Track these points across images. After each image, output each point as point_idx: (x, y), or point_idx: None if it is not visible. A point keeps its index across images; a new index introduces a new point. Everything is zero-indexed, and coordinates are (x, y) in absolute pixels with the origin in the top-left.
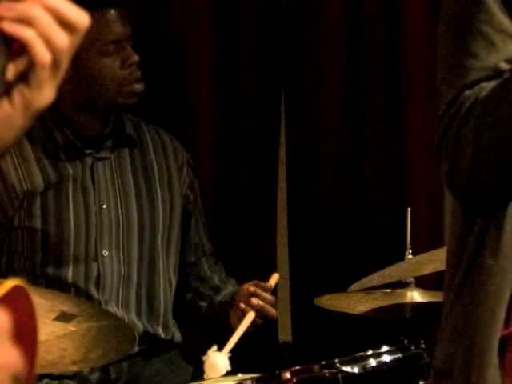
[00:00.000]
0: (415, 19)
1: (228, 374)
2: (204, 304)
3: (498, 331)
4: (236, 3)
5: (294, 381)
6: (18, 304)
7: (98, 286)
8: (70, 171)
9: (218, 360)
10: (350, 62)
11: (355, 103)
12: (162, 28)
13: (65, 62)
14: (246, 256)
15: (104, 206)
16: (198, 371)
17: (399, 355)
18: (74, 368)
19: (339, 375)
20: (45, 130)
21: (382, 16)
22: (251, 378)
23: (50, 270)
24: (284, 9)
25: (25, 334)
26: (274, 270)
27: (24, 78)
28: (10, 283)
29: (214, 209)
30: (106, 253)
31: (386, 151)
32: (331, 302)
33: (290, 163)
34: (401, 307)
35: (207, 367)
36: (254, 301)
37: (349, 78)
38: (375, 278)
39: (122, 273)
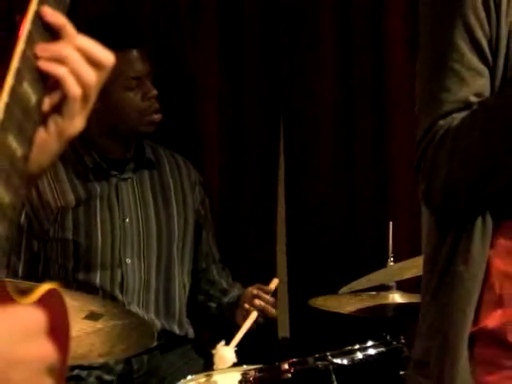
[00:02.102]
0: (398, 55)
1: (234, 365)
2: (213, 305)
3: (468, 328)
4: (240, 42)
5: (292, 371)
6: (53, 305)
7: (121, 289)
8: (98, 190)
9: (225, 353)
10: (340, 91)
11: (345, 128)
12: (176, 65)
13: (93, 96)
14: (249, 262)
15: (127, 220)
16: (208, 363)
17: (382, 349)
18: (101, 360)
19: (330, 366)
20: (75, 154)
21: (369, 52)
22: (254, 369)
23: (81, 276)
24: (283, 45)
25: (59, 331)
26: (273, 274)
27: (58, 109)
28: (46, 287)
29: (221, 221)
30: (128, 261)
31: (372, 171)
32: (324, 302)
33: (288, 181)
34: (384, 307)
35: (216, 359)
36: (257, 302)
37: (340, 106)
38: (362, 282)
39: (143, 278)
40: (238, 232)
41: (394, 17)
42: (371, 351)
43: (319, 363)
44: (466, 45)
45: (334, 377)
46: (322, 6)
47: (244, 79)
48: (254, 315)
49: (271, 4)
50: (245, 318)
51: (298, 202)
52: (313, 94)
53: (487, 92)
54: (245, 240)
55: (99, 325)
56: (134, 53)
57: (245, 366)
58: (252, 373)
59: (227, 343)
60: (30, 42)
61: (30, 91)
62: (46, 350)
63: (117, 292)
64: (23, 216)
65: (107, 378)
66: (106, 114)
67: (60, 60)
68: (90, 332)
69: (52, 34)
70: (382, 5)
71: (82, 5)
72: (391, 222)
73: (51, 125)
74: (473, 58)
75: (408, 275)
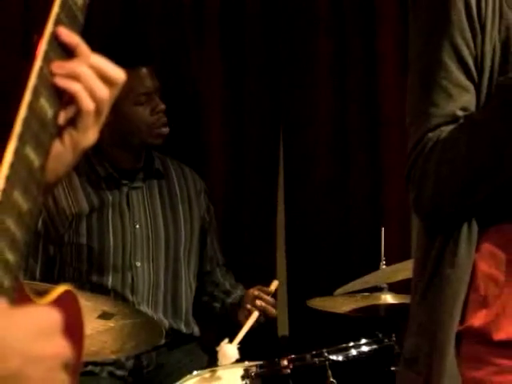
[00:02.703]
0: (389, 73)
1: (237, 361)
2: (217, 305)
3: (454, 327)
4: (243, 58)
5: (290, 367)
6: (68, 305)
7: (132, 290)
8: (110, 198)
9: (228, 350)
10: (336, 106)
11: (341, 140)
12: (182, 81)
13: (105, 110)
14: (250, 265)
15: (137, 226)
16: (213, 359)
17: (375, 346)
18: (113, 356)
19: (326, 362)
20: (89, 164)
21: (362, 69)
22: (255, 365)
23: (94, 278)
24: (283, 62)
25: (74, 329)
26: (273, 276)
27: (72, 122)
28: (62, 288)
29: (225, 226)
30: (138, 264)
31: (365, 180)
32: (321, 303)
33: (287, 189)
34: (376, 307)
35: (220, 356)
36: (258, 302)
37: (336, 119)
38: (356, 284)
39: (152, 280)
40: (241, 237)
41: (385, 36)
42: (364, 348)
43: (316, 359)
44: (453, 63)
45: (329, 372)
46: (319, 25)
47: (246, 93)
48: (255, 315)
49: (272, 23)
50: (247, 317)
51: (296, 208)
52: (311, 108)
53: (473, 107)
54: (247, 244)
55: (111, 324)
56: (144, 70)
57: (247, 362)
58: (253, 368)
59: (230, 341)
60: (47, 60)
61: (46, 106)
62: (61, 348)
63: (127, 293)
64: (40, 222)
65: (119, 373)
66: (117, 127)
67: (74, 77)
68: (102, 330)
69: (67, 52)
70: (375, 25)
71: (94, 24)
72: (383, 228)
73: (66, 137)
74: (459, 76)
75: (399, 277)
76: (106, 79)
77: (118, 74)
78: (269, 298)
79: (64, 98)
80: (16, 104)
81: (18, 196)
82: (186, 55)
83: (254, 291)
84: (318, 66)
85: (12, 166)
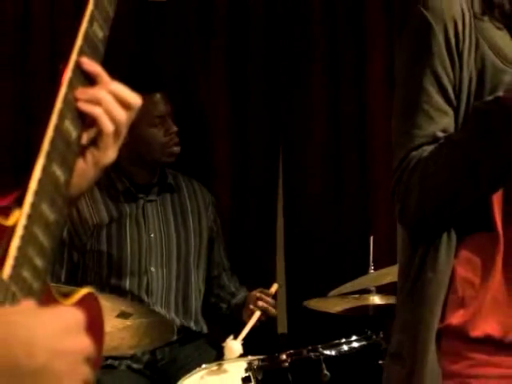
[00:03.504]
0: (377, 99)
1: (241, 355)
2: (224, 305)
3: (435, 325)
4: (246, 85)
5: (288, 361)
6: (90, 305)
7: (147, 292)
8: (128, 210)
9: (233, 346)
10: (330, 128)
11: (334, 158)
12: (192, 105)
13: (123, 131)
14: (253, 270)
15: (152, 236)
16: (219, 354)
17: (364, 342)
18: (131, 351)
19: (321, 357)
20: (109, 180)
21: (353, 96)
22: (257, 359)
23: (113, 281)
24: (283, 90)
25: (95, 327)
26: (273, 280)
27: (94, 142)
28: (84, 290)
29: (230, 235)
30: (153, 269)
31: (356, 194)
32: (316, 304)
33: (286, 201)
34: (365, 308)
35: (226, 351)
36: (260, 303)
37: (329, 139)
38: (347, 287)
39: (165, 283)
40: (244, 244)
41: (375, 65)
42: (355, 344)
43: (312, 354)
44: (433, 89)
45: (324, 365)
46: (315, 58)
47: (249, 116)
48: (257, 314)
49: (273, 55)
50: (250, 316)
51: (294, 218)
52: (307, 130)
53: (452, 128)
54: (250, 251)
55: (128, 322)
56: (158, 96)
57: (250, 357)
58: (256, 362)
59: (235, 337)
60: (71, 86)
61: (71, 128)
62: (84, 343)
63: (143, 295)
64: (65, 231)
65: (135, 366)
66: (134, 146)
67: (96, 102)
68: (120, 328)
69: (89, 79)
70: (366, 55)
71: (113, 54)
72: (372, 237)
73: (89, 156)
74: (439, 100)
75: (386, 281)
76: (124, 104)
77: (135, 99)
78: (269, 299)
79: (86, 121)
80: (44, 126)
81: (45, 208)
82: (194, 83)
83: (256, 293)
84: (314, 94)
85: (40, 181)
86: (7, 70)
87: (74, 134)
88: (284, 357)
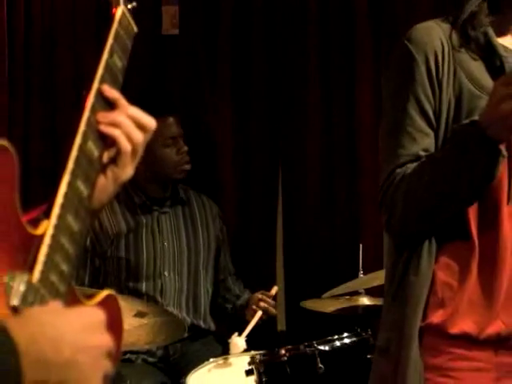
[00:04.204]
0: (366, 120)
1: (245, 351)
2: (229, 306)
3: (418, 323)
4: (249, 109)
5: (287, 355)
6: (110, 306)
7: (161, 294)
8: (143, 221)
9: (238, 342)
10: (324, 145)
11: (328, 173)
12: (200, 128)
13: (140, 151)
14: (255, 274)
15: (165, 244)
16: (226, 349)
17: (354, 339)
18: (146, 347)
19: (316, 352)
20: (127, 194)
21: (344, 116)
22: (259, 354)
23: (131, 284)
24: (282, 114)
25: (115, 325)
26: (274, 283)
27: (113, 161)
28: (105, 292)
29: (235, 243)
30: (166, 273)
31: (347, 207)
32: (312, 304)
33: (285, 213)
34: (356, 308)
35: (231, 346)
36: (261, 304)
37: (324, 156)
38: (340, 289)
39: (177, 286)
40: (247, 251)
41: (364, 93)
42: (346, 340)
43: (307, 349)
44: (416, 113)
45: (318, 359)
46: (309, 83)
47: (251, 138)
48: (259, 314)
49: (273, 81)
50: (252, 316)
51: (292, 228)
52: (303, 150)
53: (432, 148)
54: (252, 257)
55: (144, 321)
56: (170, 119)
57: (252, 352)
58: (258, 356)
59: (239, 334)
60: (93, 111)
61: (93, 148)
62: (105, 340)
63: (157, 296)
64: (88, 240)
65: (150, 360)
66: (149, 164)
67: (115, 124)
68: (137, 326)
69: (109, 104)
70: (355, 81)
71: (131, 82)
72: (361, 245)
73: (109, 172)
74: (421, 123)
75: (374, 284)
76: (140, 126)
77: (150, 122)
78: (270, 300)
79: (107, 141)
80: (69, 146)
81: (70, 219)
82: (203, 107)
83: (258, 295)
84: (310, 117)
85: (66, 195)
86: (37, 96)
87: (95, 153)
88: (283, 352)
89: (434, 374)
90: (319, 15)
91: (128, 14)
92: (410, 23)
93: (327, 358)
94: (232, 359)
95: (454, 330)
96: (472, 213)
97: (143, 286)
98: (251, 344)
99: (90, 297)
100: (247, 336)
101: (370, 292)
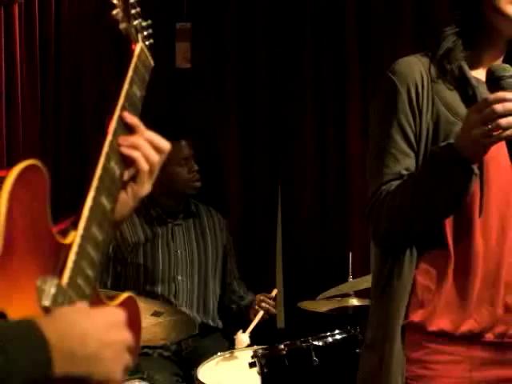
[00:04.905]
0: (355, 144)
1: (248, 346)
2: (235, 306)
3: (401, 322)
4: (253, 135)
5: (285, 350)
6: (130, 306)
7: (175, 296)
8: (159, 232)
9: (242, 338)
10: (319, 166)
11: (321, 190)
12: (209, 150)
13: (156, 170)
14: (257, 278)
15: (179, 252)
16: (231, 344)
17: (345, 335)
18: (162, 342)
19: (311, 346)
20: (145, 208)
21: (336, 144)
22: (261, 348)
23: (148, 287)
24: (281, 138)
25: (134, 323)
26: (274, 286)
27: (133, 179)
28: (126, 294)
29: (240, 251)
30: (179, 278)
31: (338, 219)
32: (307, 305)
33: (284, 225)
34: (346, 308)
35: (236, 342)
36: (263, 304)
37: (318, 176)
38: (332, 291)
39: (189, 289)
40: (251, 258)
41: (353, 118)
42: (337, 336)
43: (303, 344)
44: (399, 137)
45: (313, 353)
46: (306, 114)
47: (255, 159)
48: (261, 313)
49: (274, 111)
50: (255, 315)
51: (290, 238)
52: (300, 168)
53: (413, 167)
54: (255, 263)
55: (160, 319)
56: (183, 142)
57: (255, 346)
58: (260, 351)
59: (243, 331)
60: (115, 135)
61: (115, 167)
62: (126, 336)
63: (172, 298)
64: (111, 248)
65: (165, 354)
66: (164, 182)
67: (135, 147)
68: (154, 324)
69: (129, 129)
70: (346, 111)
71: (148, 109)
72: (350, 253)
73: (129, 189)
74: (404, 146)
75: (362, 287)
76: (156, 148)
77: (165, 144)
78: (270, 301)
79: (127, 162)
80: (94, 166)
81: (95, 230)
82: (211, 132)
83: (260, 296)
84: (307, 142)
85: (91, 209)
86: (65, 120)
87: (117, 172)
88: (282, 346)
89: (415, 366)
90: (314, 56)
91: (146, 50)
92: (394, 60)
93: (321, 352)
94: (237, 353)
95: (432, 327)
96: (448, 224)
97: (159, 289)
98: (254, 340)
99: (112, 298)
100: (250, 333)
101: (358, 294)
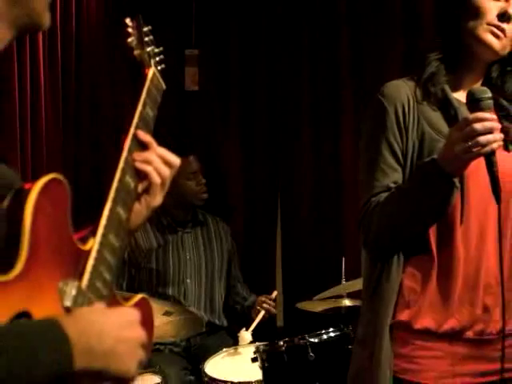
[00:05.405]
0: (348, 159)
1: (251, 342)
2: (238, 307)
3: (389, 321)
4: (254, 150)
5: (284, 346)
6: (143, 306)
7: (184, 297)
8: (170, 239)
9: (245, 335)
10: (316, 180)
11: (318, 202)
12: (214, 164)
13: (167, 183)
14: (259, 281)
15: (188, 257)
16: (235, 341)
17: (338, 333)
18: (172, 339)
19: (308, 343)
20: (157, 217)
21: (331, 158)
22: (262, 345)
23: (160, 289)
24: (281, 152)
25: (147, 322)
26: (274, 288)
27: (146, 191)
28: (139, 296)
29: (243, 256)
30: (188, 281)
31: (333, 227)
32: (305, 305)
33: (283, 234)
34: (339, 308)
35: (240, 339)
36: (264, 305)
37: (315, 189)
38: (327, 293)
39: (197, 291)
40: (253, 263)
41: (346, 137)
42: (332, 334)
43: (301, 341)
44: (387, 153)
45: (309, 349)
46: (303, 128)
47: (256, 172)
48: (262, 313)
49: (274, 130)
50: (257, 314)
51: (289, 245)
52: (298, 180)
53: (400, 181)
54: (256, 267)
55: (171, 318)
56: (191, 158)
57: (257, 343)
58: (261, 347)
59: (246, 329)
60: (130, 151)
61: (130, 181)
62: (139, 333)
63: (181, 299)
64: (126, 254)
65: (175, 349)
66: (175, 193)
67: (148, 162)
68: (165, 323)
69: (143, 146)
70: (340, 131)
71: (161, 128)
72: (344, 258)
73: (142, 200)
74: (392, 161)
75: (354, 289)
76: (167, 163)
77: (175, 160)
78: (271, 302)
79: (141, 175)
80: (111, 179)
81: (112, 238)
82: (217, 149)
83: (261, 297)
84: (304, 155)
85: (108, 218)
86: (85, 139)
87: (132, 184)
88: (281, 343)
89: (402, 361)
90: (310, 80)
91: (158, 74)
92: (384, 82)
93: (317, 348)
94: (240, 349)
95: (418, 325)
96: (432, 232)
97: (169, 291)
98: (256, 337)
99: (127, 299)
100: (253, 330)
101: (350, 295)
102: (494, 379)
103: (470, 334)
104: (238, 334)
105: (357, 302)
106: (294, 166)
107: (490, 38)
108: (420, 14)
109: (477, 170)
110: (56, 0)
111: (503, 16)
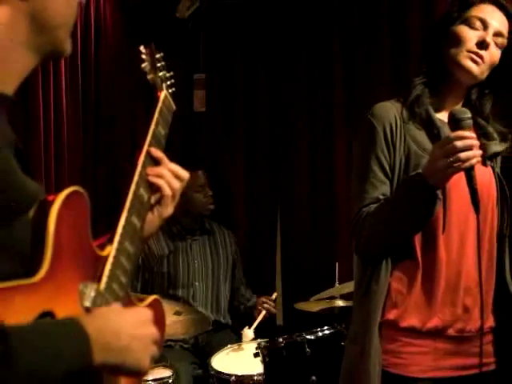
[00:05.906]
0: (341, 174)
1: (253, 339)
2: (242, 307)
3: (378, 320)
4: (255, 163)
5: (284, 343)
6: (156, 307)
7: (193, 298)
8: (180, 246)
9: (248, 333)
10: (311, 191)
11: (314, 211)
12: (220, 178)
13: (178, 195)
14: (260, 283)
15: (196, 262)
16: (239, 338)
17: (332, 330)
18: (182, 337)
19: (304, 340)
20: (168, 226)
21: (325, 174)
22: (264, 341)
23: (171, 291)
24: (281, 165)
25: (159, 321)
26: (274, 290)
27: (158, 202)
28: (152, 297)
29: (246, 260)
30: (196, 283)
31: (328, 234)
32: (302, 305)
33: (283, 241)
34: (333, 308)
35: (243, 336)
36: (265, 305)
37: (310, 199)
38: (322, 294)
39: (204, 292)
40: (255, 267)
41: (339, 154)
42: (326, 332)
43: (298, 338)
44: (377, 168)
45: (306, 345)
46: (299, 146)
47: (258, 186)
48: (263, 312)
49: (274, 147)
50: (259, 314)
51: (288, 249)
52: (296, 193)
53: (388, 193)
54: (258, 271)
55: (181, 318)
56: (199, 172)
57: (259, 340)
58: (263, 343)
59: (249, 327)
60: (144, 166)
61: (143, 193)
62: (152, 331)
63: (190, 300)
64: (140, 259)
65: (185, 346)
66: (184, 205)
67: (160, 176)
68: (175, 321)
69: (155, 161)
70: (334, 148)
71: (171, 145)
72: (337, 263)
73: (155, 211)
74: (381, 175)
75: (346, 291)
76: (178, 177)
77: (185, 174)
78: (271, 302)
79: (154, 188)
80: (126, 192)
81: (127, 244)
82: (222, 164)
83: (263, 298)
84: (301, 171)
85: (124, 227)
86: (102, 155)
87: (145, 196)
88: (280, 340)
89: (390, 356)
90: (307, 103)
91: (169, 96)
92: (373, 103)
93: (313, 345)
94: (244, 345)
95: (404, 324)
96: (417, 239)
97: (179, 293)
98: (258, 334)
99: (141, 300)
100: (255, 329)
101: (343, 297)
102: (473, 372)
103: (451, 331)
104: (242, 332)
105: (349, 303)
106: (293, 179)
107: (469, 64)
108: (407, 43)
109: (458, 183)
110: (76, 27)
111: (482, 44)
